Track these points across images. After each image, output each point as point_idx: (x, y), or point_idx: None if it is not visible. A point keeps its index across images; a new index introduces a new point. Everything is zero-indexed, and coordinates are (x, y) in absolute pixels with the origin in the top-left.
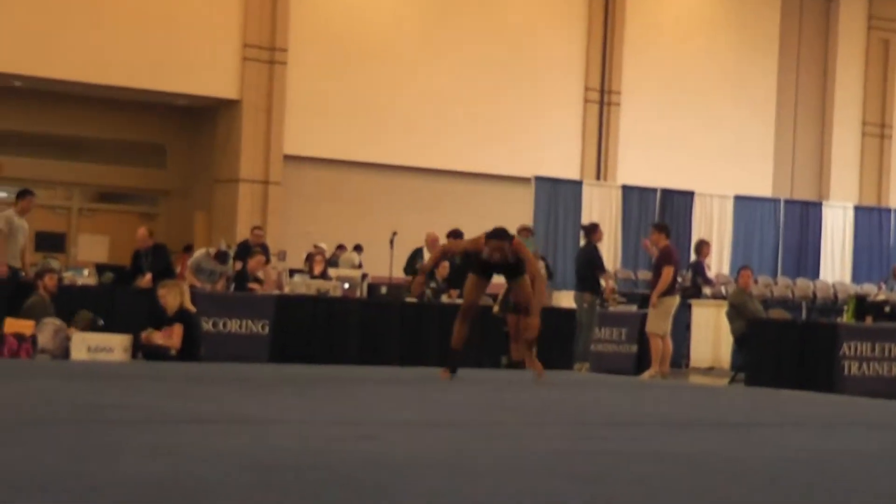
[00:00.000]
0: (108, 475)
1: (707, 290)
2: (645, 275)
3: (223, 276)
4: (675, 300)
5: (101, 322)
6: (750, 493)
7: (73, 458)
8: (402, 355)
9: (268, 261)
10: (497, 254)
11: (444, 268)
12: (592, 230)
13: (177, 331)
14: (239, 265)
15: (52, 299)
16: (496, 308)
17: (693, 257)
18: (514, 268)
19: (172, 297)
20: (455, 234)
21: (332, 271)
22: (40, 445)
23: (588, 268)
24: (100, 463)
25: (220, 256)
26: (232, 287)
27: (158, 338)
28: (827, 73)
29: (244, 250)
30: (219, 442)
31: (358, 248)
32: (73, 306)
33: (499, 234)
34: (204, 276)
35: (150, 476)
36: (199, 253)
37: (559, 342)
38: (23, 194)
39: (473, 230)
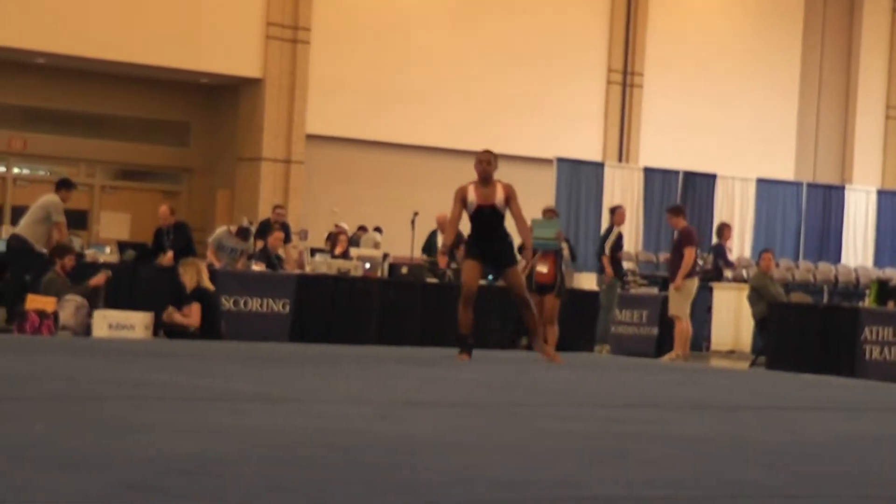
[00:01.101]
0: (129, 452)
1: (728, 273)
2: (666, 257)
3: (244, 253)
4: (695, 282)
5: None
6: (770, 476)
7: (93, 436)
8: (422, 335)
9: (288, 240)
10: (481, 166)
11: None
12: (612, 211)
13: (195, 309)
14: (260, 243)
15: (69, 278)
16: None
17: (715, 240)
18: (499, 220)
19: (189, 275)
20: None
21: (352, 251)
22: (61, 422)
23: (603, 249)
24: (120, 440)
25: (242, 233)
26: (251, 265)
27: (178, 317)
28: (851, 56)
29: (265, 228)
30: (239, 420)
31: (378, 230)
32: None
33: (486, 150)
34: (225, 254)
35: (171, 453)
36: (219, 230)
37: (580, 324)
38: (68, 185)
39: None
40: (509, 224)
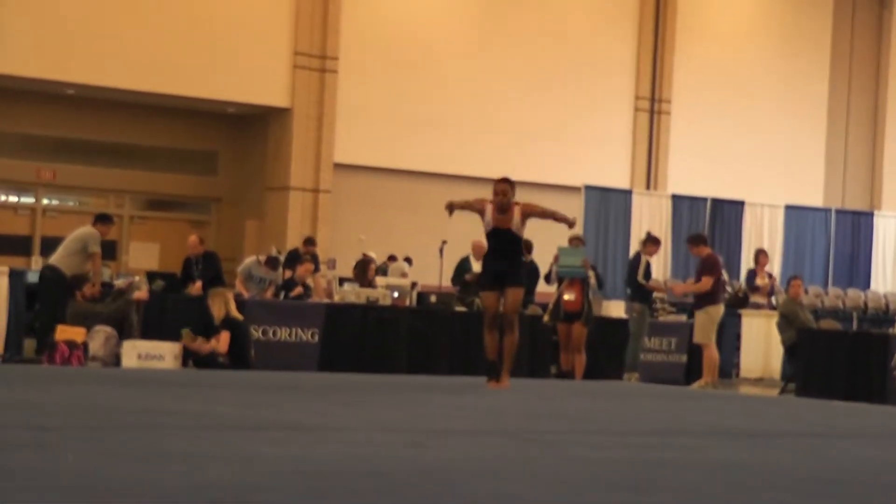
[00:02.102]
0: (159, 482)
1: (760, 299)
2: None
3: (272, 283)
4: (720, 309)
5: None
6: (800, 503)
7: (123, 465)
8: (451, 364)
9: (317, 269)
10: (497, 197)
11: None
12: (645, 242)
13: (224, 338)
14: (288, 273)
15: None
16: (546, 317)
17: (751, 266)
18: (514, 241)
19: (217, 305)
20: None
21: (378, 279)
22: (91, 452)
23: (633, 277)
24: (150, 469)
25: (271, 262)
26: (281, 295)
27: (203, 344)
28: (879, 81)
29: (294, 258)
30: (269, 449)
31: (408, 260)
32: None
33: (504, 178)
34: (253, 284)
35: (201, 482)
36: (249, 260)
37: (609, 351)
38: (107, 220)
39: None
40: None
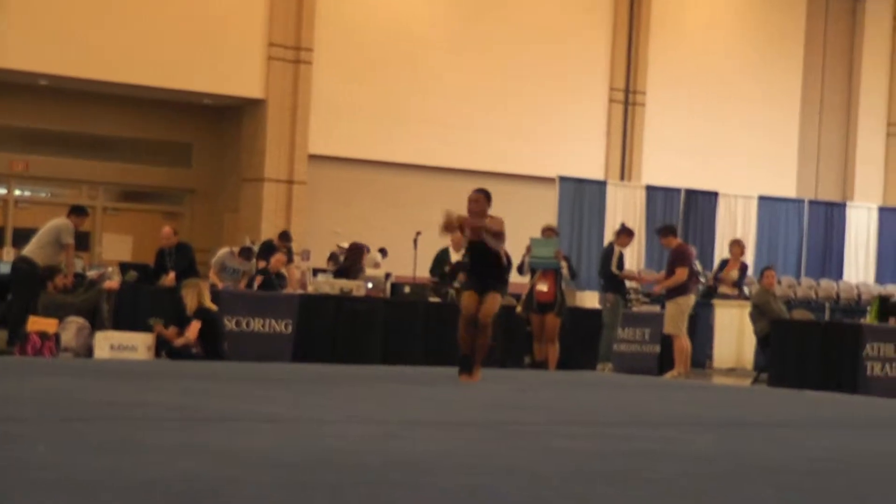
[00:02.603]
0: (130, 474)
1: (727, 289)
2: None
3: (246, 274)
4: (691, 300)
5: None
6: (776, 494)
7: (94, 457)
8: (426, 355)
9: (290, 260)
10: (473, 205)
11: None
12: (619, 233)
13: (193, 327)
14: (262, 263)
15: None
16: (519, 308)
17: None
18: (488, 253)
19: (190, 296)
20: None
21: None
22: (63, 444)
23: (606, 268)
24: (122, 461)
25: (245, 253)
26: (255, 285)
27: (174, 336)
28: (852, 73)
29: (268, 249)
30: (243, 441)
31: (382, 252)
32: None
33: (480, 189)
34: (227, 275)
35: (174, 475)
36: (222, 251)
37: (583, 342)
38: (81, 212)
39: None
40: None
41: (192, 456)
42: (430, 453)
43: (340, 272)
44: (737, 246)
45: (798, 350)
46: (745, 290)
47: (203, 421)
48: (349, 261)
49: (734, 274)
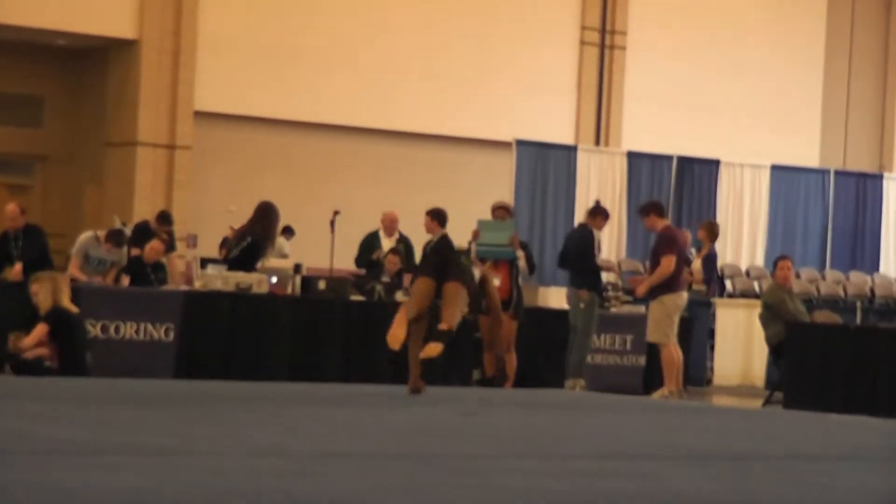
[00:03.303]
0: None
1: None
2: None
3: (115, 265)
4: (681, 298)
5: None
6: None
7: None
8: (345, 368)
9: (172, 248)
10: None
11: (394, 262)
12: (597, 213)
13: (38, 332)
14: (136, 251)
15: None
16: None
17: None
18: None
19: (44, 293)
20: (437, 215)
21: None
22: None
23: (582, 256)
24: None
25: (114, 237)
26: (124, 280)
27: (28, 344)
28: (891, 15)
29: (142, 234)
30: (102, 478)
31: (287, 231)
32: None
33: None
34: (91, 268)
35: None
36: (84, 237)
37: (547, 352)
38: None
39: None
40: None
41: (40, 499)
42: (347, 494)
43: (247, 254)
44: (704, 229)
45: (821, 362)
46: (720, 286)
47: (56, 454)
48: (256, 231)
49: (697, 265)
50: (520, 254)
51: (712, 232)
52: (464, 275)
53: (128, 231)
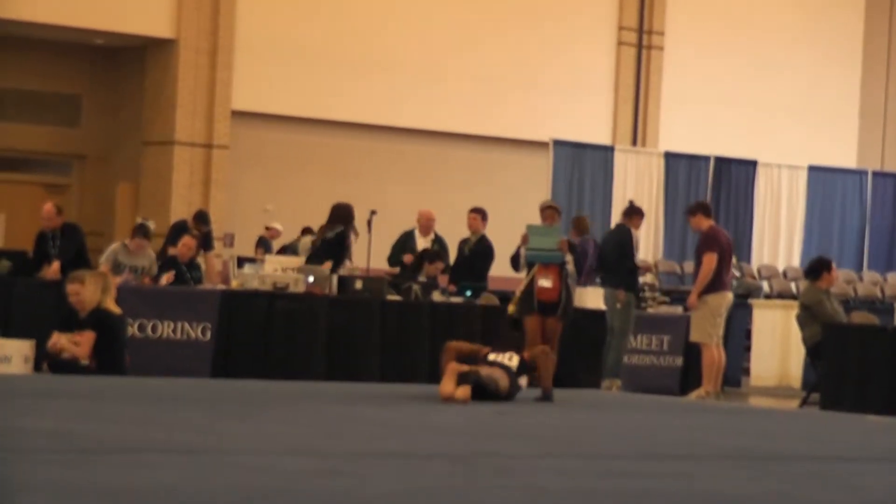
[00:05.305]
0: None
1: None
2: (691, 267)
3: (144, 272)
4: (725, 298)
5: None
6: None
7: None
8: (382, 368)
9: (209, 247)
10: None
11: (435, 268)
12: (633, 213)
13: (86, 339)
14: (172, 250)
15: None
16: (512, 307)
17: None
18: None
19: (91, 291)
20: (482, 214)
21: (282, 259)
22: None
23: (620, 256)
24: None
25: (139, 231)
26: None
27: (68, 345)
28: None
29: (180, 233)
30: (143, 477)
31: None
32: None
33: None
34: (122, 274)
35: None
36: (113, 246)
37: (584, 353)
38: None
39: (481, 205)
40: None
41: (76, 498)
42: (386, 494)
43: (332, 248)
44: (572, 223)
45: (858, 363)
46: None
47: (93, 452)
48: (335, 227)
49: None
50: (568, 258)
51: (580, 226)
52: None
53: (151, 226)
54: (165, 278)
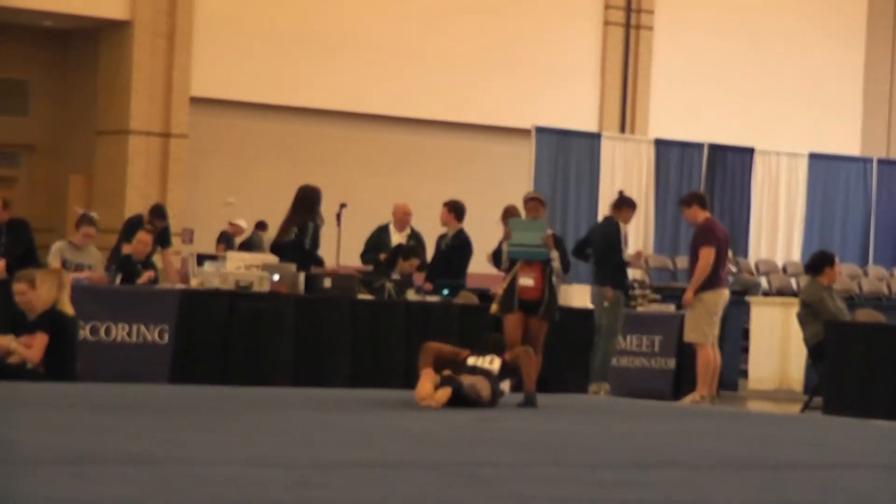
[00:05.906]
0: None
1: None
2: (684, 262)
3: (91, 269)
4: (721, 295)
5: None
6: None
7: None
8: (353, 372)
9: (167, 243)
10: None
11: (411, 265)
12: (623, 205)
13: (39, 341)
14: (126, 248)
15: None
16: (495, 307)
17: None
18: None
19: (45, 291)
20: (454, 208)
21: (243, 256)
22: None
23: (608, 251)
24: None
25: (84, 221)
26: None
27: (19, 348)
28: None
29: (134, 229)
30: (97, 490)
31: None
32: None
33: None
34: (71, 272)
35: None
36: (58, 244)
37: (570, 354)
38: None
39: (459, 197)
40: None
41: None
42: None
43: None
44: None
45: (863, 364)
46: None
47: (44, 464)
48: (303, 217)
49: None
50: (554, 254)
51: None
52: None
53: (94, 217)
54: (146, 276)
